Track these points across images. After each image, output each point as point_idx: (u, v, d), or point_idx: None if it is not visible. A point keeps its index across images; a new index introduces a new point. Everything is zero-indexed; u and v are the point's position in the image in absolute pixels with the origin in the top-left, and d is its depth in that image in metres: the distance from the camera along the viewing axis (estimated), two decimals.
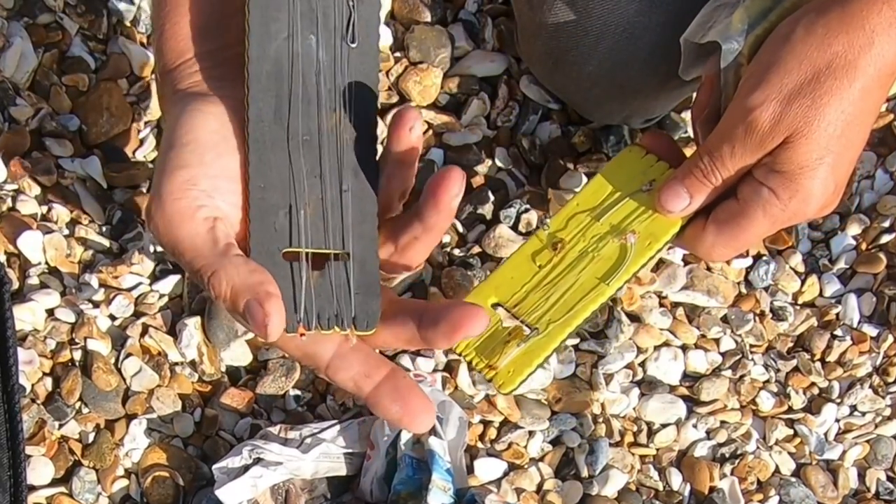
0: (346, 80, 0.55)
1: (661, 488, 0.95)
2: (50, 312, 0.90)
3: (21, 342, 0.88)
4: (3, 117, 0.94)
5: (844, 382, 0.98)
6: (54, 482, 0.89)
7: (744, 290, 0.99)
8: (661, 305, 0.97)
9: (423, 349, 0.85)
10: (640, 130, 1.00)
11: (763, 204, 0.64)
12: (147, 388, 0.90)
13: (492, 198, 0.97)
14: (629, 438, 0.96)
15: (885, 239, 0.99)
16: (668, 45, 0.78)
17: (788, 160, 0.62)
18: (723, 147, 0.64)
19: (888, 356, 0.98)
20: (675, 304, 0.98)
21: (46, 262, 0.91)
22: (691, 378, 0.97)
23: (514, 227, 0.95)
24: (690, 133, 0.97)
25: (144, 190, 0.96)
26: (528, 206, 0.96)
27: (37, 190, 0.93)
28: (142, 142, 0.97)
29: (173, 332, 0.92)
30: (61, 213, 0.93)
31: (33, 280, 0.90)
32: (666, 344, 0.97)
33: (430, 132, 0.99)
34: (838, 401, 0.98)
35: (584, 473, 0.93)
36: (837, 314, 0.99)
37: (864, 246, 1.00)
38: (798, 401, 0.97)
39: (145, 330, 0.91)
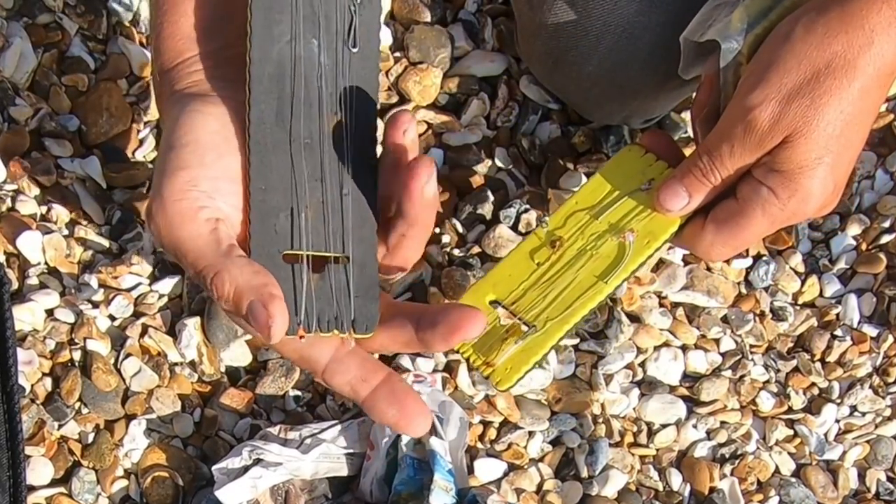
0: (347, 84, 0.55)
1: (661, 489, 0.95)
2: (49, 313, 0.90)
3: (20, 342, 0.88)
4: (2, 117, 0.94)
5: (844, 383, 0.98)
6: (54, 482, 0.89)
7: (744, 291, 0.99)
8: (661, 305, 0.97)
9: (420, 352, 0.85)
10: (639, 130, 1.00)
11: (762, 203, 0.64)
12: (146, 389, 0.90)
13: (491, 198, 0.97)
14: (629, 439, 0.96)
15: (886, 239, 0.99)
16: (667, 45, 0.78)
17: (787, 160, 0.62)
18: (722, 146, 0.64)
19: (888, 356, 0.98)
20: (675, 305, 0.98)
21: (46, 263, 0.91)
22: (691, 378, 0.97)
23: (514, 228, 0.95)
24: (690, 133, 0.97)
25: (144, 190, 0.96)
26: (527, 206, 0.96)
27: (36, 190, 0.93)
28: (141, 142, 0.97)
29: (173, 332, 0.92)
30: (61, 213, 0.93)
31: (33, 280, 0.90)
32: (666, 344, 0.97)
33: (430, 132, 0.99)
34: (838, 401, 0.98)
35: (584, 474, 0.93)
36: (837, 314, 0.99)
37: (864, 246, 0.99)
38: (798, 401, 0.97)
39: (145, 330, 0.91)
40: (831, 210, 0.68)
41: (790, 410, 0.97)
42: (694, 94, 0.86)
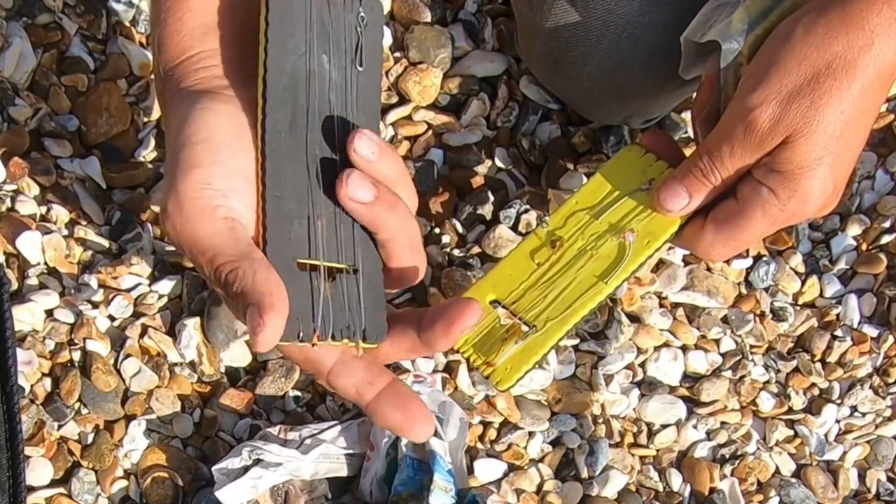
0: (354, 101, 0.57)
1: (661, 489, 0.95)
2: (49, 313, 0.90)
3: (20, 343, 0.88)
4: (2, 117, 0.94)
5: (845, 383, 0.98)
6: (53, 483, 0.89)
7: (744, 291, 0.99)
8: (662, 306, 0.97)
9: (424, 356, 0.85)
10: (639, 131, 1.00)
11: (762, 203, 0.64)
12: (146, 389, 0.90)
13: (491, 198, 0.97)
14: (629, 439, 0.95)
15: (886, 239, 0.99)
16: (668, 46, 0.78)
17: (788, 160, 0.62)
18: (722, 146, 0.64)
19: (888, 357, 0.98)
20: (676, 305, 0.98)
21: (45, 263, 0.91)
22: (691, 379, 0.97)
23: (514, 228, 0.95)
24: (690, 133, 0.97)
25: (144, 190, 0.96)
26: (527, 206, 0.95)
27: (36, 190, 0.93)
28: (141, 142, 0.97)
29: (172, 332, 0.91)
30: (60, 213, 0.93)
31: (32, 280, 0.90)
32: (666, 344, 0.97)
33: (430, 132, 0.99)
34: (839, 401, 0.98)
35: (584, 474, 0.93)
36: (838, 315, 0.99)
37: (864, 246, 0.99)
38: (798, 401, 0.97)
39: (144, 330, 0.91)
40: (831, 210, 0.68)
41: (790, 411, 0.97)
42: (694, 95, 0.86)
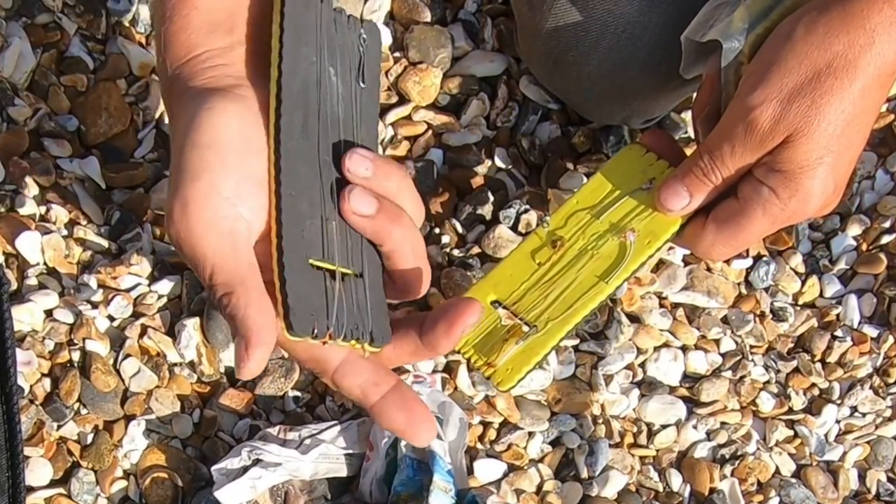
0: (357, 114, 0.58)
1: (661, 489, 0.95)
2: (48, 313, 0.90)
3: (19, 343, 0.88)
4: (1, 117, 0.93)
5: (845, 383, 0.98)
6: (53, 483, 0.89)
7: (744, 291, 0.99)
8: (661, 306, 0.97)
9: (427, 359, 0.85)
10: (639, 131, 1.00)
11: (763, 203, 0.64)
12: (146, 389, 0.90)
13: (491, 198, 0.97)
14: (629, 439, 0.95)
15: (886, 239, 0.99)
16: (668, 46, 0.78)
17: (788, 159, 0.62)
18: (723, 146, 0.64)
19: (888, 357, 0.98)
20: (676, 305, 0.98)
21: (45, 263, 0.91)
22: (691, 379, 0.97)
23: (514, 228, 0.95)
24: (690, 133, 0.97)
25: (143, 190, 0.95)
26: (527, 206, 0.95)
27: (35, 190, 0.93)
28: (140, 142, 0.96)
29: (172, 332, 0.91)
30: (60, 213, 0.92)
31: (32, 281, 0.90)
32: (666, 345, 0.96)
33: (430, 132, 0.99)
34: (839, 402, 0.98)
35: (584, 474, 0.93)
36: (838, 315, 0.98)
37: (864, 247, 0.99)
38: (798, 402, 0.97)
39: (144, 331, 0.90)
40: (832, 210, 0.68)
41: (790, 411, 0.97)
42: (694, 95, 0.86)
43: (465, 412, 0.90)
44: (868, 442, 0.98)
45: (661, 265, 0.97)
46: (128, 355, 0.90)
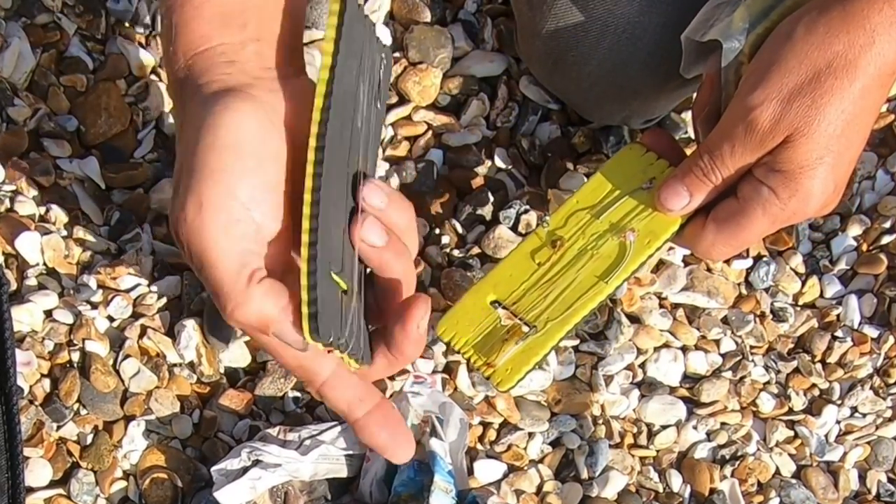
0: (372, 134, 0.58)
1: (661, 490, 0.95)
2: (48, 314, 0.90)
3: (19, 343, 0.88)
4: (0, 118, 0.93)
5: (845, 384, 0.98)
6: (52, 484, 0.88)
7: (744, 291, 0.99)
8: (661, 306, 0.97)
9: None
10: (639, 131, 1.00)
11: (763, 203, 0.64)
12: (145, 390, 0.90)
13: (491, 198, 0.97)
14: (629, 440, 0.95)
15: (886, 240, 0.98)
16: (668, 46, 0.78)
17: (788, 159, 0.62)
18: (723, 146, 0.64)
19: (889, 357, 0.98)
20: (676, 305, 0.97)
21: (44, 264, 0.91)
22: (691, 379, 0.97)
23: (514, 228, 0.95)
24: (690, 133, 0.97)
25: (143, 191, 0.95)
26: (527, 206, 0.95)
27: (35, 191, 0.93)
28: (140, 142, 0.96)
29: (172, 333, 0.91)
30: (59, 213, 0.92)
31: (31, 281, 0.90)
32: (666, 345, 0.96)
33: (430, 133, 0.99)
34: (839, 402, 0.98)
35: (584, 475, 0.93)
36: (838, 315, 0.98)
37: (864, 247, 0.99)
38: (798, 402, 0.97)
39: (144, 331, 0.90)
40: (832, 210, 0.68)
41: (791, 411, 0.97)
42: (694, 95, 0.86)
43: (465, 413, 0.90)
44: (868, 442, 0.98)
45: (661, 265, 0.97)
46: (127, 356, 0.90)
